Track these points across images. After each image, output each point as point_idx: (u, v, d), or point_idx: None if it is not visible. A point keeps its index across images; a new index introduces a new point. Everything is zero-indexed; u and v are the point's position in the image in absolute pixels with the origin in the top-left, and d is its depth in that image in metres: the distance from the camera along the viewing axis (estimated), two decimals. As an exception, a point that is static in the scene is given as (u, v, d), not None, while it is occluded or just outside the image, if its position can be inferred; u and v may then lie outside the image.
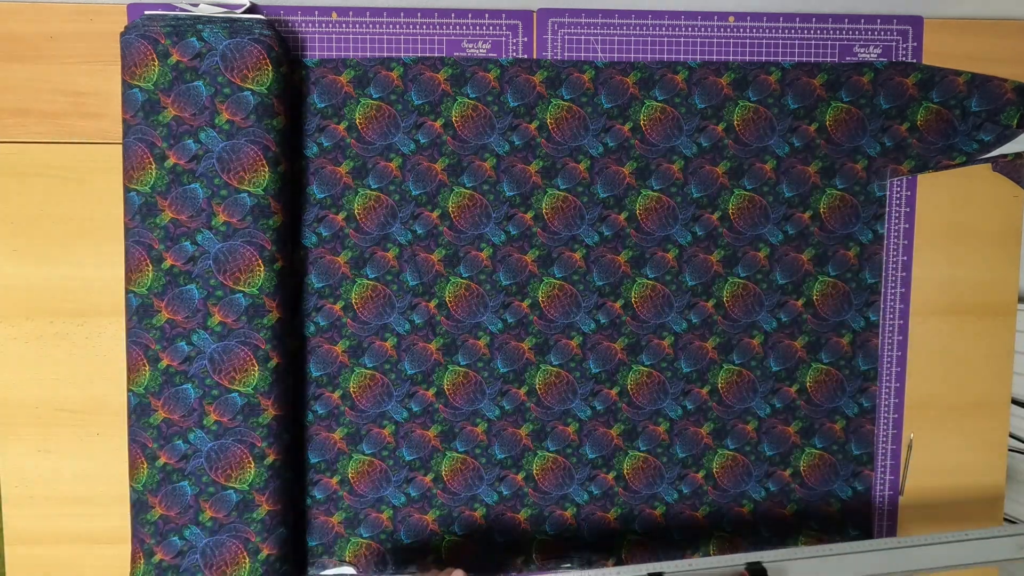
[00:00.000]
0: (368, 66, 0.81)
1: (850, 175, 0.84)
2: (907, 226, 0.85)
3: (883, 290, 0.86)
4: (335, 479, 0.83)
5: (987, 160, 0.84)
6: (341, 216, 0.82)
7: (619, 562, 0.86)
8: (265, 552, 0.75)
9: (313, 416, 0.83)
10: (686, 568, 0.72)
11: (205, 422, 0.74)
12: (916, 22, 0.83)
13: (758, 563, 0.71)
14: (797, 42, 0.83)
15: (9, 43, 0.79)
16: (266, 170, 0.74)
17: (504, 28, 0.82)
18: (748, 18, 0.83)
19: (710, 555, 0.82)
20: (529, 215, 0.83)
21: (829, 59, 0.83)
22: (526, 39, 0.82)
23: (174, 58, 0.72)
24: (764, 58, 0.83)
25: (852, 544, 0.73)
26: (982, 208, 0.86)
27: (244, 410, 0.74)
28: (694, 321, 0.85)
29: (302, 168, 0.81)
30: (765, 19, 0.83)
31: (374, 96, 0.81)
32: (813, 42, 0.83)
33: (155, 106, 0.73)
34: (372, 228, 0.82)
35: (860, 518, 0.87)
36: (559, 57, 0.82)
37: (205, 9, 0.75)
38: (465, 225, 0.83)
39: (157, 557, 0.74)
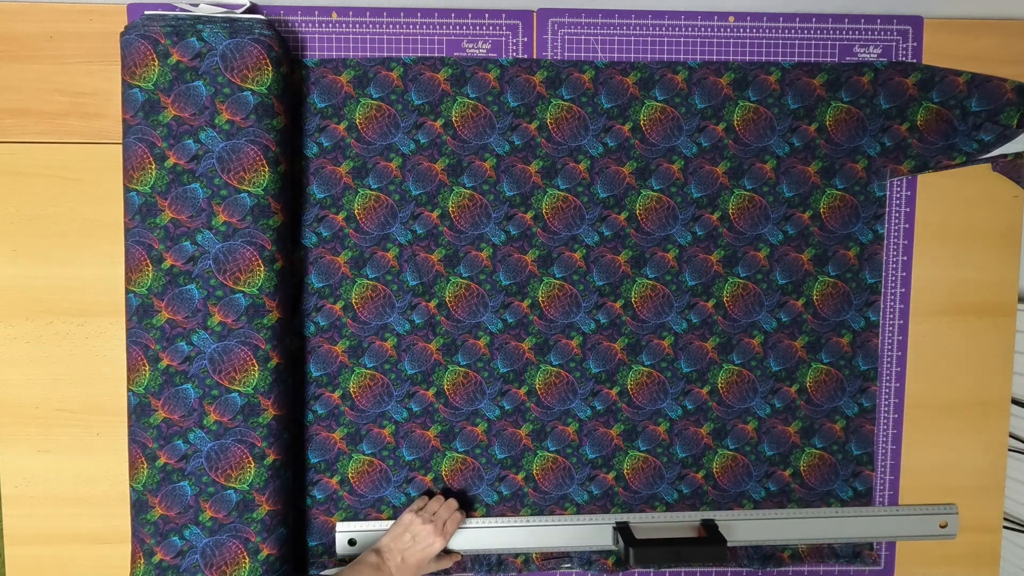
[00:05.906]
0: (368, 66, 0.81)
1: (850, 175, 0.84)
2: (907, 226, 0.85)
3: (883, 290, 0.86)
4: (335, 479, 0.83)
5: (987, 160, 0.84)
6: (341, 216, 0.82)
7: (618, 561, 0.86)
8: (265, 552, 0.75)
9: (313, 416, 0.83)
10: (649, 520, 0.83)
11: (205, 422, 0.74)
12: (916, 22, 0.83)
13: (711, 520, 0.84)
14: (797, 42, 0.83)
15: (9, 43, 0.79)
16: (266, 170, 0.74)
17: (504, 28, 0.82)
18: (748, 18, 0.83)
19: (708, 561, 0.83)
20: (529, 215, 0.83)
21: (829, 59, 0.83)
22: (526, 39, 0.82)
23: (174, 58, 0.72)
24: (764, 58, 0.83)
25: (789, 511, 0.86)
26: (982, 208, 0.86)
27: (244, 410, 0.74)
28: (694, 321, 0.85)
29: (302, 168, 0.81)
30: (765, 19, 0.83)
31: (374, 96, 0.81)
32: (813, 42, 0.83)
33: (155, 106, 0.73)
34: (372, 228, 0.82)
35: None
36: (559, 57, 0.82)
37: (205, 9, 0.75)
38: (465, 225, 0.83)
39: (157, 557, 0.74)
